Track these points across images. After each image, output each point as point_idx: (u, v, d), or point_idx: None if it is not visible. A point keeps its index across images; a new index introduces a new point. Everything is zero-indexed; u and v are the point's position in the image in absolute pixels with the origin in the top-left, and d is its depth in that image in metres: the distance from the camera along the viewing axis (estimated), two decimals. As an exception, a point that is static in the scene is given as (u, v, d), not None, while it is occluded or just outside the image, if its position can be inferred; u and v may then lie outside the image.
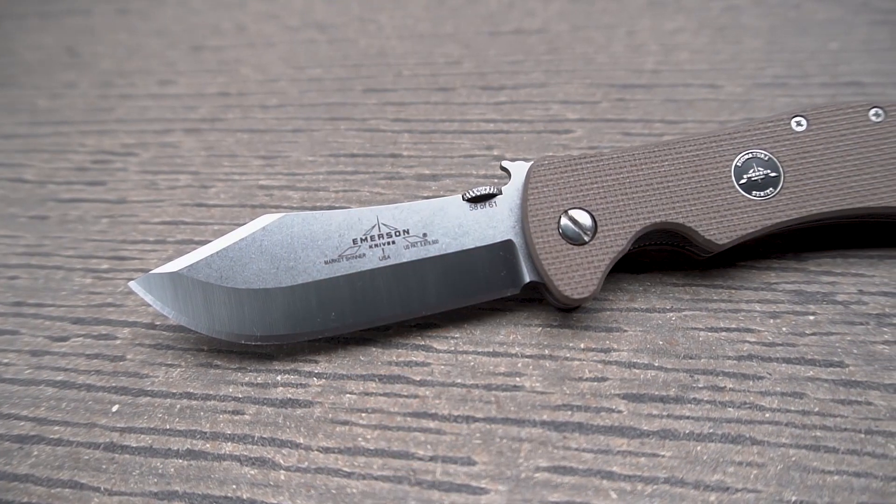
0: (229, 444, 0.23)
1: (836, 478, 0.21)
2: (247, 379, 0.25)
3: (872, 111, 0.25)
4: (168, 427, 0.23)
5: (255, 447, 0.23)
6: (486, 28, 0.38)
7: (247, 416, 0.24)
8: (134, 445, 0.23)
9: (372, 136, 0.33)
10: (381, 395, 0.24)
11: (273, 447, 0.23)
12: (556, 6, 0.39)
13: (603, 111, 0.33)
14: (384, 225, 0.25)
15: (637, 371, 0.23)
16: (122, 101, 0.37)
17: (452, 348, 0.25)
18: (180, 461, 0.23)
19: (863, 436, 0.21)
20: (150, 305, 0.26)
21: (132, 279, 0.26)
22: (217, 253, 0.24)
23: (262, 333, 0.24)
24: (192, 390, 0.24)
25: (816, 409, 0.22)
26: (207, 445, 0.23)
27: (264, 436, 0.23)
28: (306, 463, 0.22)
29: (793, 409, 0.22)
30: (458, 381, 0.24)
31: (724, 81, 0.33)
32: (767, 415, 0.22)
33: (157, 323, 0.26)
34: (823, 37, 0.35)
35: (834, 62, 0.34)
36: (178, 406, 0.24)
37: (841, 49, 0.34)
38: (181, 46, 0.40)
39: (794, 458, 0.21)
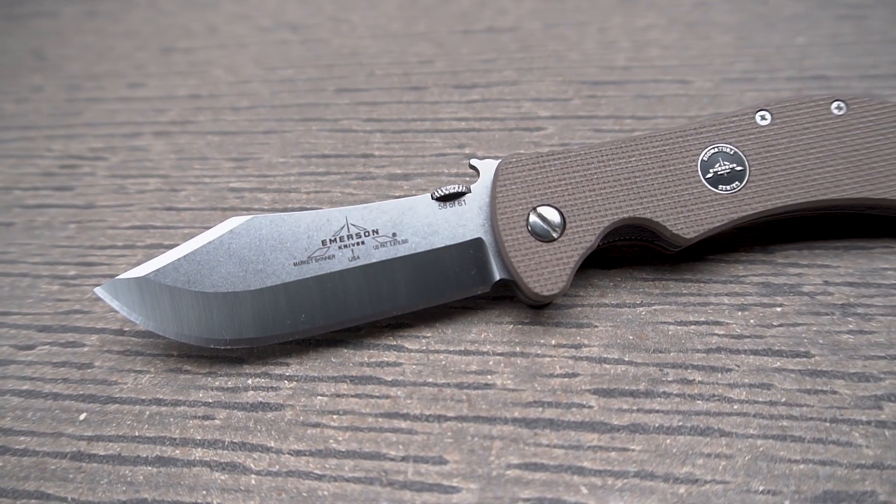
0: (199, 449, 0.23)
1: (801, 466, 0.21)
2: (217, 383, 0.24)
3: (834, 104, 0.26)
4: (137, 434, 0.23)
5: (225, 452, 0.23)
6: (459, 27, 0.38)
7: (217, 421, 0.23)
8: (102, 454, 0.23)
9: (344, 137, 0.33)
10: (352, 396, 0.24)
11: (244, 451, 0.23)
12: (529, 4, 0.39)
13: (574, 108, 0.33)
14: (353, 225, 0.25)
15: (607, 366, 0.24)
16: (91, 104, 0.36)
17: (424, 348, 0.25)
18: (149, 468, 0.22)
19: (828, 424, 0.22)
20: (118, 311, 0.26)
21: (100, 285, 0.25)
22: (184, 257, 0.24)
23: (232, 337, 0.24)
24: (161, 396, 0.24)
25: (783, 400, 0.22)
26: (177, 452, 0.23)
27: (235, 440, 0.23)
28: (277, 466, 0.22)
29: (760, 400, 0.22)
30: (430, 380, 0.24)
31: (693, 77, 0.34)
32: (735, 406, 0.22)
33: (126, 329, 0.26)
34: (790, 32, 0.36)
35: (800, 56, 0.34)
36: (148, 413, 0.24)
37: (807, 44, 0.35)
38: (151, 48, 0.39)
39: (761, 449, 0.21)
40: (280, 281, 0.24)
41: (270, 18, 0.41)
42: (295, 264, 0.24)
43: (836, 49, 0.34)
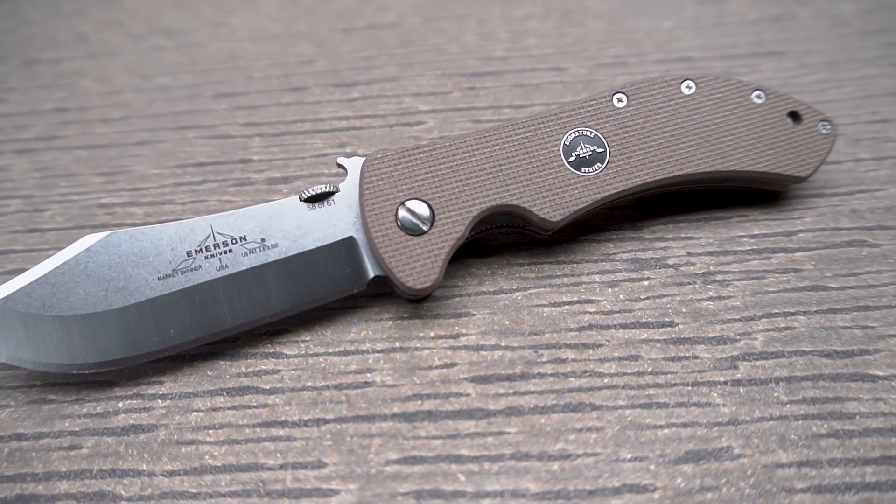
0: (64, 482, 0.21)
1: (666, 431, 0.22)
2: (84, 410, 0.23)
3: (684, 84, 0.27)
4: (-6, 473, 0.22)
5: (93, 481, 0.21)
6: (340, 25, 0.38)
7: (84, 450, 0.22)
8: (-46, 498, 0.21)
9: (221, 143, 0.32)
10: (229, 408, 0.23)
11: (113, 478, 0.22)
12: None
13: (454, 101, 0.33)
14: (219, 234, 0.24)
15: (485, 353, 0.24)
16: (-56, 125, 0.34)
17: (303, 352, 0.24)
18: (8, 508, 0.21)
19: (690, 388, 0.23)
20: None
21: (-55, 318, 0.23)
22: (36, 280, 0.23)
23: (96, 360, 0.23)
24: (22, 430, 0.23)
25: (650, 369, 0.23)
26: (40, 487, 0.21)
27: (104, 468, 0.22)
28: (150, 490, 0.21)
29: (629, 371, 0.23)
30: (309, 384, 0.23)
31: (568, 64, 0.35)
32: (606, 380, 0.23)
33: (-18, 362, 0.24)
34: (658, 16, 0.37)
35: (668, 39, 0.36)
36: (7, 450, 0.22)
37: (674, 27, 0.36)
38: (12, 61, 0.37)
39: (629, 418, 0.22)
40: (144, 297, 0.23)
41: (144, 24, 0.39)
42: (159, 279, 0.23)
43: (700, 31, 0.36)
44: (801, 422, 0.22)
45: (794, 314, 0.25)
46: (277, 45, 0.37)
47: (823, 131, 0.27)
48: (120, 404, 0.23)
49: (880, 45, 0.35)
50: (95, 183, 0.30)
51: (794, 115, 0.27)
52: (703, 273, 0.26)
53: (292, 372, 0.24)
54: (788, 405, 0.22)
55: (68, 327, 0.23)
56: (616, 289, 0.26)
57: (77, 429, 0.23)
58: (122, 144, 0.32)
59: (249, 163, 0.31)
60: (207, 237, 0.24)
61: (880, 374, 0.23)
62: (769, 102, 0.27)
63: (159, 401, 0.23)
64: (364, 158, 0.25)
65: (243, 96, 0.34)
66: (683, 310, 0.25)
